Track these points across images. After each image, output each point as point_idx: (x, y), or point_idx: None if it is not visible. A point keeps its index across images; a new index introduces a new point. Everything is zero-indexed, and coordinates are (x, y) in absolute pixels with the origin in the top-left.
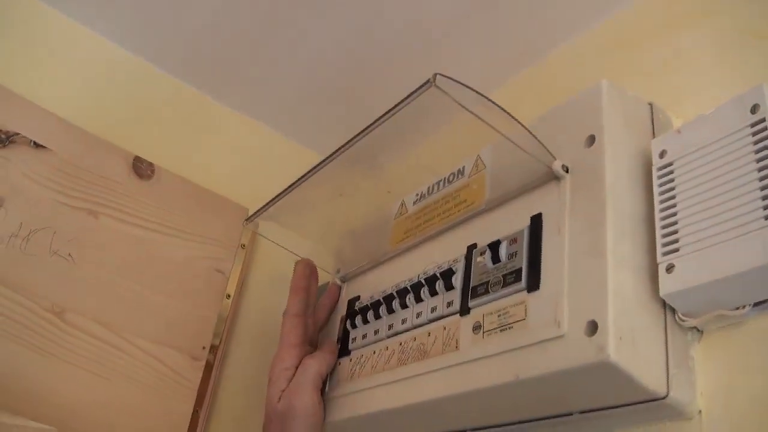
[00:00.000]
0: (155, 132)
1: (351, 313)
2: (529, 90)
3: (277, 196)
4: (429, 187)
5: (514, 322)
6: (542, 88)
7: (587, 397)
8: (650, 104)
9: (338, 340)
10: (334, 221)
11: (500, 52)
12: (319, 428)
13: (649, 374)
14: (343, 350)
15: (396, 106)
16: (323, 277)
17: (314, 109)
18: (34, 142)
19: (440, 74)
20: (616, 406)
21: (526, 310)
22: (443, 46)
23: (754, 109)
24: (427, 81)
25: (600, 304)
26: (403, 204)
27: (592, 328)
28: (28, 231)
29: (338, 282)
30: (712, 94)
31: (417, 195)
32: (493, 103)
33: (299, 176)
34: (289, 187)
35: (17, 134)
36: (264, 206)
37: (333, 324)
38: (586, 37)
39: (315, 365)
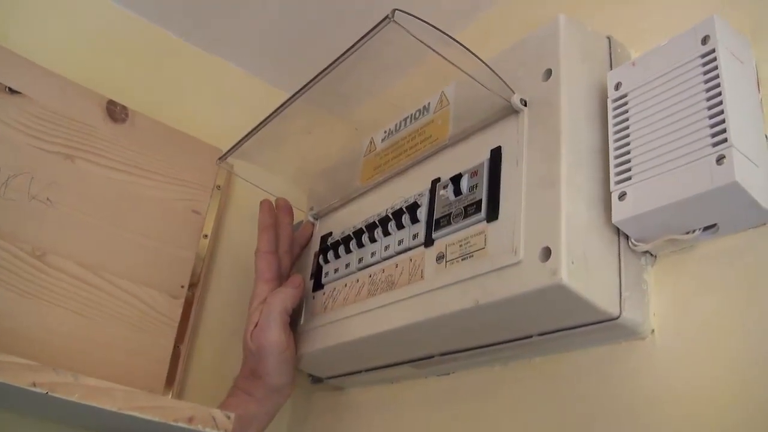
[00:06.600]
0: (128, 75)
1: (323, 249)
2: (496, 27)
3: (248, 134)
4: (396, 124)
5: (474, 251)
6: (508, 25)
7: (544, 319)
8: (608, 38)
9: (312, 275)
10: (306, 159)
11: None
12: (292, 361)
13: (601, 296)
14: (317, 284)
15: (358, 41)
16: (298, 216)
17: (284, 49)
18: (9, 88)
19: (399, 10)
20: (572, 327)
21: (485, 239)
22: None
23: (704, 40)
24: (386, 17)
25: (553, 231)
26: (371, 141)
27: (546, 253)
28: (6, 177)
29: (312, 219)
30: (670, 27)
31: (385, 132)
32: (452, 38)
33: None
34: (259, 124)
35: None
36: (236, 144)
37: (308, 260)
38: None
39: (278, 302)
